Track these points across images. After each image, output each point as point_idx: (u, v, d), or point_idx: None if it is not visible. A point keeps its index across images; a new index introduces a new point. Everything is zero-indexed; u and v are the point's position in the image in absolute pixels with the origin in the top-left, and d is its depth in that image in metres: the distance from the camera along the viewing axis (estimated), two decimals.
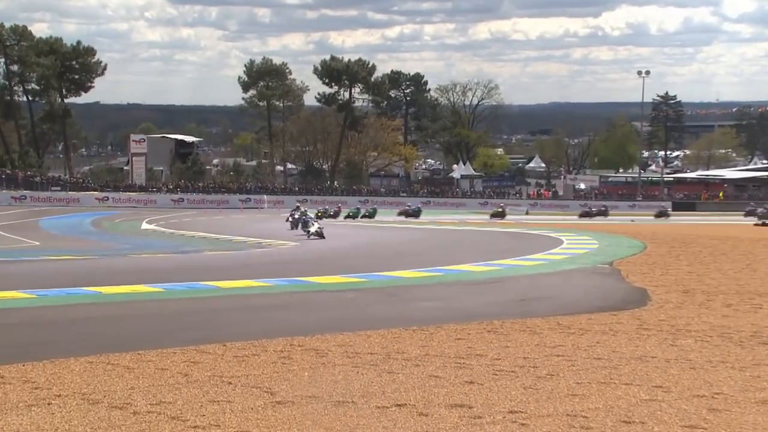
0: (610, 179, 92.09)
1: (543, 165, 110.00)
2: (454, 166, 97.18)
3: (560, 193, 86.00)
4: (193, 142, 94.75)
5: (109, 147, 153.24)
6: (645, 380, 7.96)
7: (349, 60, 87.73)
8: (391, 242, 30.99)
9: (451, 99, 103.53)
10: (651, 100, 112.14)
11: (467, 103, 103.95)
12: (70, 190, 67.17)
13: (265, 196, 68.51)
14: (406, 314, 12.97)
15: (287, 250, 27.35)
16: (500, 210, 55.62)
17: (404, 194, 76.19)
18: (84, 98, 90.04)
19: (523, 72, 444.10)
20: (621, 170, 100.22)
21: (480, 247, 27.81)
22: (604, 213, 59.74)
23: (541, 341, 10.22)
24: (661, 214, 57.82)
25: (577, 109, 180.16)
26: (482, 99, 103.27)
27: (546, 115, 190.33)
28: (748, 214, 53.08)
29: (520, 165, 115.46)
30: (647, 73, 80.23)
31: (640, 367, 8.63)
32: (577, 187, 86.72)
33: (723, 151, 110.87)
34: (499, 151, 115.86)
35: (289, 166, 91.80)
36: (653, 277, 17.80)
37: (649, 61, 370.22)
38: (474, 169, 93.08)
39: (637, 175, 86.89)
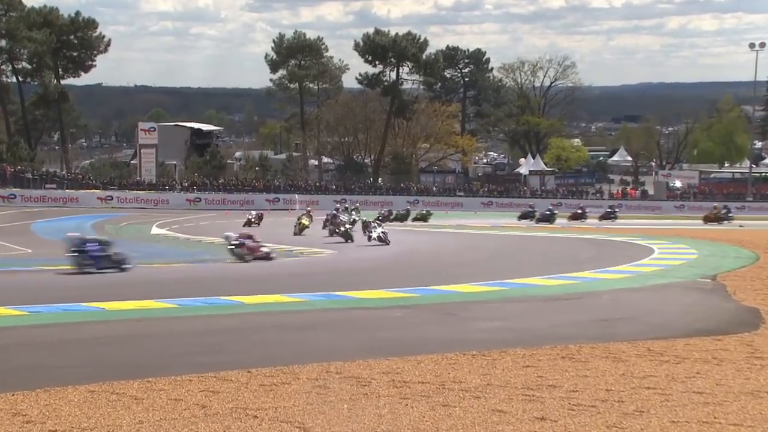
0: (712, 176, 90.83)
1: (629, 159, 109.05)
2: (521, 160, 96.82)
3: (650, 192, 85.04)
4: (211, 132, 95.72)
5: (114, 137, 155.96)
6: (758, 421, 7.85)
7: (397, 34, 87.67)
8: (444, 250, 30.97)
9: (518, 80, 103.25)
10: (765, 79, 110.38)
11: (537, 84, 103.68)
12: (67, 188, 68.25)
13: (296, 196, 68.86)
14: (463, 336, 12.97)
15: (322, 259, 27.47)
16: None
17: (461, 194, 76.00)
18: (84, 79, 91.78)
19: (605, 47, 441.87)
20: (727, 165, 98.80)
21: (552, 256, 27.65)
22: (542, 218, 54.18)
23: (628, 370, 10.13)
24: None
25: (672, 91, 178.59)
26: (555, 80, 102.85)
27: (634, 98, 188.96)
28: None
29: (601, 159, 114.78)
30: (761, 45, 78.91)
31: (751, 404, 8.50)
32: (671, 185, 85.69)
33: None
34: (576, 141, 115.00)
35: (325, 160, 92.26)
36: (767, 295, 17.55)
37: (763, 31, 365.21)
38: (545, 164, 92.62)
39: (747, 171, 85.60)
